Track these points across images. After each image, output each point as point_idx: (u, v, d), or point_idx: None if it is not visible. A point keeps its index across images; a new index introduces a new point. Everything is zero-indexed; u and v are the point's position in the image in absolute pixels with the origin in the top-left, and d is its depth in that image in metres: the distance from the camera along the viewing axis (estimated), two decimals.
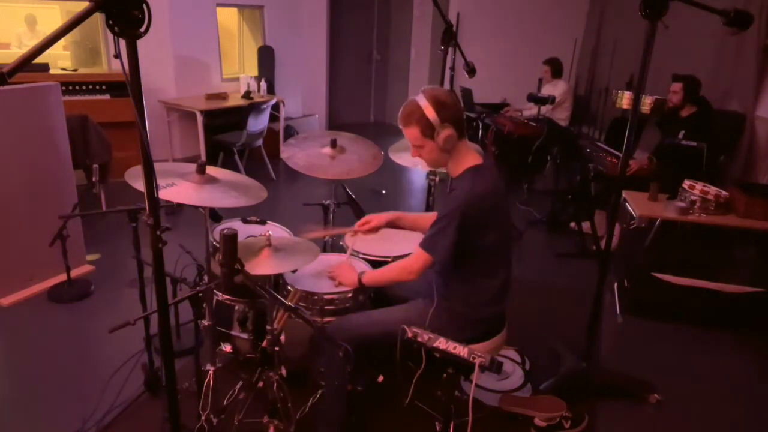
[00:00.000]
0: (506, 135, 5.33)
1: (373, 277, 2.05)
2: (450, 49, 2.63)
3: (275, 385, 1.96)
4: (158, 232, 1.36)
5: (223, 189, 2.02)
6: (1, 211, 2.98)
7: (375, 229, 2.27)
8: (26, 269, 3.15)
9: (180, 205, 2.46)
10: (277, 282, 2.24)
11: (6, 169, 2.96)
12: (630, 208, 3.38)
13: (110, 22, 1.11)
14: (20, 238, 3.07)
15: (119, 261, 3.58)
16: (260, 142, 5.46)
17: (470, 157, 1.86)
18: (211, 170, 2.10)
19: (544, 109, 5.53)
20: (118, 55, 1.15)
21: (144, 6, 1.13)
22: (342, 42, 7.97)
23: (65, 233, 2.87)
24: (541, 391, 2.47)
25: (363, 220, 2.30)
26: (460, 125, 1.81)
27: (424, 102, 1.77)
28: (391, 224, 2.29)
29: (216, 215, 2.36)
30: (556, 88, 5.70)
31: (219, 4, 5.97)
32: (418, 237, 2.60)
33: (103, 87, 4.91)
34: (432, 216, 2.27)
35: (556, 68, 5.81)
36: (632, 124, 2.20)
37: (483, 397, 2.44)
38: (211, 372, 2.11)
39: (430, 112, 1.75)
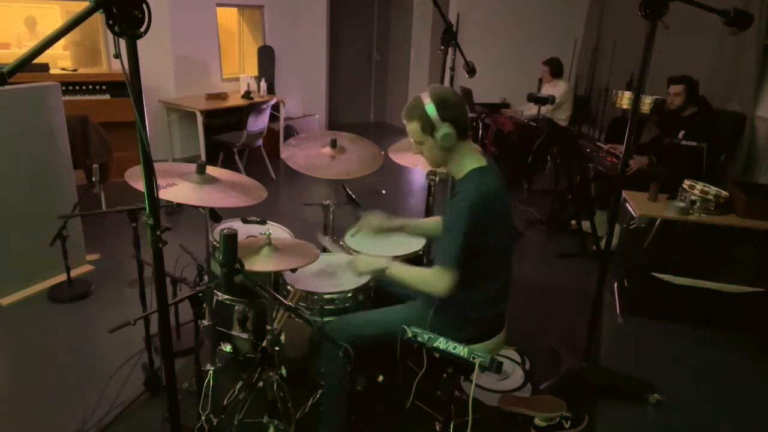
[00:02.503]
0: (506, 135, 5.33)
1: (400, 275, 1.94)
2: (450, 49, 2.63)
3: (275, 385, 1.97)
4: (158, 232, 1.36)
5: (223, 189, 2.02)
6: (1, 211, 2.98)
7: (376, 229, 2.28)
8: (26, 269, 3.15)
9: (180, 205, 2.47)
10: (277, 282, 2.24)
11: (6, 169, 2.96)
12: (630, 208, 3.38)
13: (110, 22, 1.11)
14: (20, 238, 3.07)
15: (119, 261, 3.58)
16: (260, 142, 5.46)
17: (474, 158, 1.86)
18: (211, 170, 2.09)
19: (545, 110, 5.53)
20: (118, 55, 1.15)
21: (144, 6, 1.14)
22: (342, 42, 7.97)
23: (65, 233, 2.87)
24: (541, 391, 2.47)
25: (369, 217, 2.29)
26: (461, 126, 1.80)
27: (427, 99, 1.78)
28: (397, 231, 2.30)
29: (216, 215, 2.36)
30: (556, 89, 5.70)
31: (219, 4, 5.96)
32: (418, 236, 2.62)
33: (103, 87, 4.91)
34: (435, 218, 2.28)
35: (555, 68, 5.80)
36: (632, 124, 2.20)
37: (483, 397, 2.44)
38: (211, 372, 2.11)
39: (431, 109, 1.76)
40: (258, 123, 5.20)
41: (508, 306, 2.04)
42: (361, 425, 2.18)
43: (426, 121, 1.78)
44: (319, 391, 2.20)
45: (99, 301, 3.15)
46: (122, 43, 1.15)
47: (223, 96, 5.67)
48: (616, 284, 3.47)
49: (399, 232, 2.32)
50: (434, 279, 1.80)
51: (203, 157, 4.90)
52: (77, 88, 4.82)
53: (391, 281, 2.05)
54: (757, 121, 4.06)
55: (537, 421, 2.27)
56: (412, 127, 1.82)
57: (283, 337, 2.04)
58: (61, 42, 4.29)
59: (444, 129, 1.76)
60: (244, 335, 2.22)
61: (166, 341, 1.54)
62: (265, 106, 5.23)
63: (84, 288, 3.20)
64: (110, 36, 1.20)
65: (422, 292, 1.88)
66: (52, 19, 5.45)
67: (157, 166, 1.37)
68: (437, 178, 2.84)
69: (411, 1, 7.90)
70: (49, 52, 1.01)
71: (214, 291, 2.20)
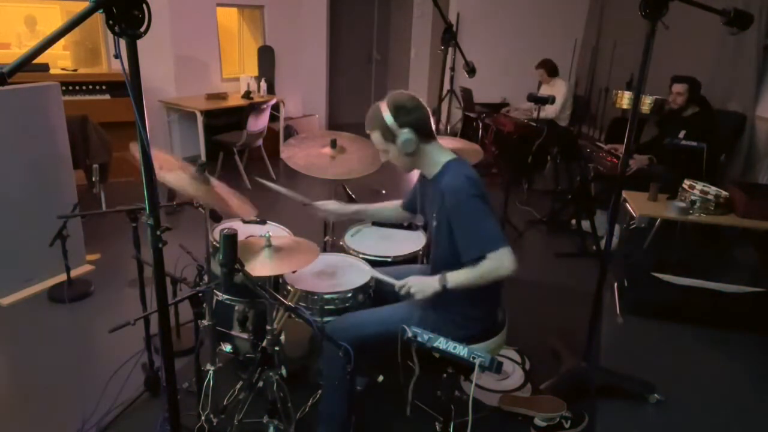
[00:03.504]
0: (506, 135, 5.33)
1: (461, 282, 1.85)
2: (450, 49, 2.63)
3: (275, 385, 1.97)
4: (158, 232, 1.36)
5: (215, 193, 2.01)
6: (1, 211, 2.98)
7: (331, 214, 2.29)
8: (26, 269, 3.15)
9: (180, 205, 2.46)
10: (277, 282, 2.24)
11: (6, 169, 2.96)
12: (630, 208, 3.38)
13: (110, 22, 1.11)
14: (20, 238, 3.07)
15: (119, 261, 3.58)
16: (260, 142, 5.45)
17: (444, 155, 1.89)
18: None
19: (551, 111, 5.52)
20: (118, 55, 1.15)
21: (144, 6, 1.14)
22: (342, 42, 7.96)
23: (65, 233, 2.87)
24: (541, 391, 2.47)
25: (323, 202, 2.28)
26: (422, 128, 1.83)
27: (383, 107, 1.82)
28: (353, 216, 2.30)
29: (216, 215, 2.36)
30: (555, 88, 5.70)
31: (219, 4, 5.97)
32: (418, 236, 2.62)
33: (103, 87, 4.91)
34: (393, 203, 2.31)
35: (550, 69, 5.80)
36: (632, 124, 2.20)
37: (483, 397, 2.44)
38: (211, 372, 2.11)
39: (388, 116, 1.79)
40: (258, 123, 5.19)
41: (508, 306, 2.04)
42: (361, 425, 2.18)
43: (385, 129, 1.81)
44: (319, 391, 2.20)
45: (99, 301, 3.15)
46: (122, 43, 1.15)
47: (223, 96, 5.67)
48: (616, 284, 3.47)
49: (384, 228, 2.32)
50: (497, 264, 1.77)
51: (203, 157, 4.91)
52: (77, 88, 4.82)
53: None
54: (757, 121, 4.06)
55: (537, 421, 2.27)
56: (375, 136, 1.87)
57: (283, 337, 2.04)
58: (61, 42, 4.28)
59: (404, 135, 1.79)
60: (244, 335, 2.22)
61: (166, 341, 1.54)
62: (265, 106, 5.22)
63: (84, 288, 3.20)
64: (110, 36, 1.21)
65: (494, 280, 1.81)
66: (52, 19, 5.45)
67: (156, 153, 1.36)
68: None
69: (411, 1, 7.90)
70: (49, 52, 1.01)
71: (214, 291, 2.20)
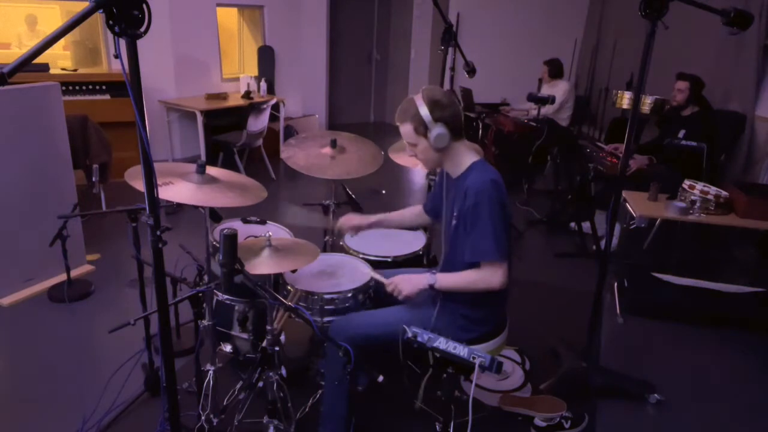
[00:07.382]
0: (506, 135, 5.33)
1: (449, 285, 1.90)
2: (450, 49, 2.63)
3: (275, 385, 1.97)
4: (158, 232, 1.36)
5: (223, 189, 2.02)
6: (1, 211, 2.98)
7: (355, 229, 2.26)
8: (26, 269, 3.15)
9: (180, 205, 2.47)
10: (277, 282, 2.24)
11: (6, 169, 2.96)
12: (630, 208, 3.38)
13: (110, 22, 1.11)
14: (20, 238, 3.07)
15: (119, 261, 3.58)
16: (260, 142, 5.46)
17: (471, 155, 1.89)
18: (210, 170, 2.09)
19: (549, 110, 5.52)
20: (118, 55, 1.15)
21: (144, 6, 1.14)
22: (342, 42, 7.96)
23: (65, 233, 2.87)
24: (541, 391, 2.47)
25: (345, 217, 2.26)
26: (455, 126, 1.82)
27: (419, 100, 1.80)
28: (375, 227, 2.29)
29: (216, 215, 2.36)
30: (555, 89, 5.70)
31: (219, 4, 5.97)
32: (419, 236, 2.62)
33: (103, 87, 4.91)
34: (415, 209, 2.27)
35: (554, 69, 5.80)
36: (632, 124, 2.20)
37: (483, 397, 2.44)
38: (211, 372, 2.11)
39: (424, 110, 1.78)
40: (258, 123, 5.20)
41: (508, 306, 2.04)
42: (362, 425, 2.18)
43: (419, 122, 1.80)
44: (319, 391, 2.20)
45: (99, 301, 3.15)
46: (122, 43, 1.15)
47: (223, 96, 5.67)
48: (616, 284, 3.47)
49: (387, 229, 2.31)
50: (487, 277, 1.80)
51: (203, 157, 4.90)
52: (77, 88, 4.82)
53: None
54: (757, 121, 4.06)
55: (537, 421, 2.27)
56: (406, 129, 1.84)
57: (283, 337, 2.04)
58: (61, 42, 4.29)
59: (437, 129, 1.78)
60: (244, 335, 2.22)
61: (166, 341, 1.54)
62: (265, 106, 5.23)
63: (84, 288, 3.20)
64: (110, 36, 1.21)
65: (479, 291, 1.84)
66: (53, 19, 5.46)
67: (156, 165, 1.37)
68: (437, 178, 2.84)
69: (411, 1, 7.91)
70: (49, 52, 1.01)
71: (214, 291, 2.20)
